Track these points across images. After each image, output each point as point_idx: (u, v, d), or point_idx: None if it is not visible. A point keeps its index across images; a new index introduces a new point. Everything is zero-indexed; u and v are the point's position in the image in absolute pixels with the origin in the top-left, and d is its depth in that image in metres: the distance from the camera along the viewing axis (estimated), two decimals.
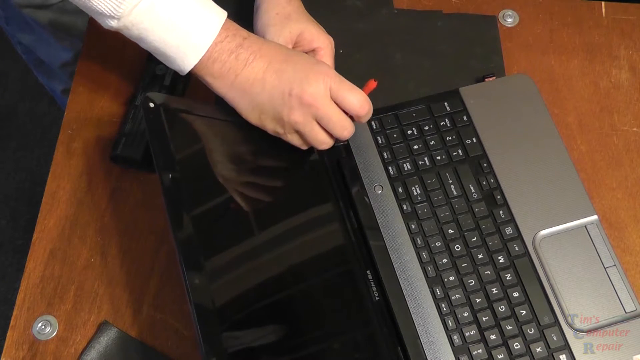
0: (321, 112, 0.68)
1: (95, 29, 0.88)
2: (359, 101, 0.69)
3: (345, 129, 0.69)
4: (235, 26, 0.68)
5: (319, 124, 0.69)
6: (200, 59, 0.66)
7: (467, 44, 0.87)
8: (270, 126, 0.69)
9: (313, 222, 0.73)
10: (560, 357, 0.67)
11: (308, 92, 0.67)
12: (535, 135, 0.78)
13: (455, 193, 0.75)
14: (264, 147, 0.72)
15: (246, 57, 0.67)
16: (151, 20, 0.64)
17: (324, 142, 0.70)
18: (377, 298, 0.70)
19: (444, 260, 0.71)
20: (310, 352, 0.66)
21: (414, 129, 0.78)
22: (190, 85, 0.83)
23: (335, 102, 0.68)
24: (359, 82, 0.83)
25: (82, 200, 0.78)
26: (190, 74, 0.68)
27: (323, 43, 0.75)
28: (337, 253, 0.72)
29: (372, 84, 0.72)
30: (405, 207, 0.74)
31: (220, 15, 0.67)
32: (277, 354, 0.64)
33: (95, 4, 0.63)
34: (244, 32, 0.68)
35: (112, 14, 0.63)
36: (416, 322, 0.69)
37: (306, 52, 0.75)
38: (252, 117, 0.70)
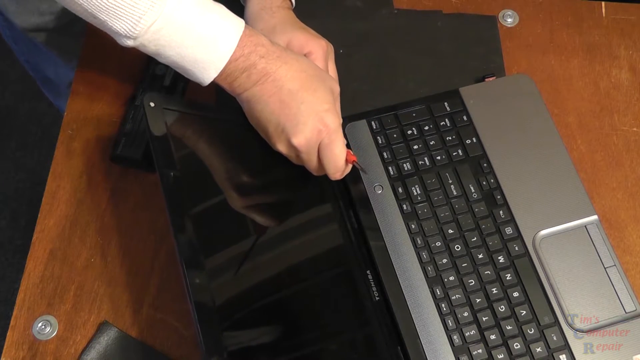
0: (303, 157, 0.69)
1: (95, 30, 0.87)
2: (332, 169, 0.69)
3: (320, 174, 0.71)
4: (253, 41, 0.66)
5: None
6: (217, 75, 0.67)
7: (467, 44, 0.87)
8: (264, 136, 0.71)
9: (313, 222, 0.73)
10: (560, 357, 0.67)
11: (298, 138, 0.68)
12: (535, 135, 0.78)
13: (455, 193, 0.75)
14: (264, 147, 0.72)
15: (257, 79, 0.67)
16: (167, 38, 0.64)
17: (313, 171, 0.71)
18: (377, 298, 0.70)
19: (444, 260, 0.71)
20: (310, 352, 0.66)
21: (414, 129, 0.78)
22: (190, 85, 0.83)
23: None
24: (360, 82, 0.83)
25: (82, 200, 0.78)
26: None
27: (313, 48, 0.74)
28: (337, 253, 0.73)
29: (352, 158, 0.72)
30: (405, 207, 0.74)
31: (237, 29, 0.65)
32: (277, 353, 0.64)
33: (111, 24, 0.63)
34: (261, 49, 0.67)
35: (129, 35, 0.63)
36: (416, 322, 0.69)
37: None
38: (251, 121, 0.71)
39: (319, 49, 0.74)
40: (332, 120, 0.68)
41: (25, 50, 1.12)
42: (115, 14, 0.62)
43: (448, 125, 0.78)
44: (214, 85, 0.84)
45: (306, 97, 0.67)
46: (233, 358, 0.60)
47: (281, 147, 0.70)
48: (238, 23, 0.66)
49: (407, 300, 0.69)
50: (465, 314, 0.69)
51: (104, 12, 0.62)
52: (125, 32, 0.63)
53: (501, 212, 0.74)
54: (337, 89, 0.71)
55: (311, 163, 0.70)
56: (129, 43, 0.64)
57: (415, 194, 0.74)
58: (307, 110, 0.67)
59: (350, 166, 0.71)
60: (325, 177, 0.71)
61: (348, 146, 0.77)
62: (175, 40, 0.64)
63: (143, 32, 0.63)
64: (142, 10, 0.61)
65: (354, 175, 0.75)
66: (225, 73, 0.66)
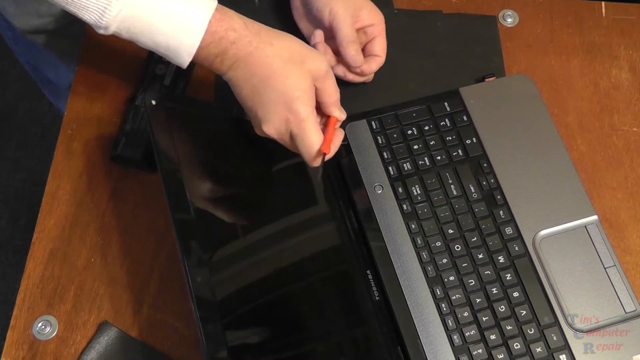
0: (281, 142, 0.69)
1: (95, 30, 0.87)
2: (306, 157, 0.69)
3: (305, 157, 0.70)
4: (224, 26, 0.66)
5: None
6: (192, 58, 0.67)
7: (467, 44, 0.87)
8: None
9: (313, 221, 0.73)
10: (560, 357, 0.67)
11: (267, 127, 0.68)
12: (535, 135, 0.78)
13: (455, 193, 0.75)
14: (264, 145, 0.72)
15: (230, 64, 0.67)
16: (136, 26, 0.64)
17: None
18: (377, 298, 0.70)
19: (444, 260, 0.71)
20: (309, 351, 0.66)
21: (414, 129, 0.78)
22: (191, 85, 0.83)
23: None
24: (359, 83, 0.83)
25: (82, 200, 0.78)
26: None
27: (376, 20, 0.79)
28: (337, 253, 0.73)
29: (334, 120, 0.71)
30: (405, 207, 0.74)
31: (206, 14, 0.65)
32: (277, 351, 0.64)
33: (81, 16, 0.64)
34: (232, 34, 0.66)
35: (98, 25, 0.64)
36: (416, 322, 0.69)
37: (364, 27, 0.79)
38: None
39: (381, 22, 0.79)
40: (302, 109, 0.67)
41: (26, 52, 1.12)
42: (82, 6, 0.63)
43: (448, 125, 0.78)
44: (214, 84, 0.84)
45: (276, 84, 0.67)
46: (234, 354, 0.60)
47: (258, 132, 0.70)
48: (207, 7, 0.65)
49: (407, 300, 0.69)
50: (465, 314, 0.69)
51: (72, 5, 0.63)
52: (95, 22, 0.64)
53: (501, 212, 0.74)
54: (322, 67, 0.69)
55: (291, 148, 0.70)
56: (103, 32, 0.65)
57: (415, 194, 0.74)
58: (275, 98, 0.67)
59: (331, 152, 0.70)
60: (325, 178, 0.71)
61: (346, 141, 0.77)
62: (145, 28, 0.64)
63: (111, 21, 0.63)
64: (107, 1, 0.62)
65: (354, 175, 0.75)
66: (199, 58, 0.67)
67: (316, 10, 0.79)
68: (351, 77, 0.80)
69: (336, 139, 0.70)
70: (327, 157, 0.69)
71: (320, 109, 0.70)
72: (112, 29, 0.64)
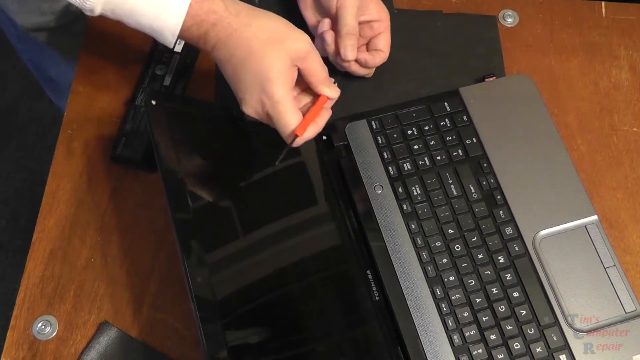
0: (260, 120, 0.70)
1: (94, 30, 0.88)
2: (285, 138, 0.69)
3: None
4: (204, 8, 0.67)
5: None
6: (177, 38, 0.68)
7: (467, 44, 0.87)
8: None
9: (313, 221, 0.73)
10: (560, 357, 0.67)
11: (246, 108, 0.69)
12: (535, 135, 0.78)
13: (455, 193, 0.75)
14: (265, 145, 0.72)
15: (212, 45, 0.68)
16: (120, 8, 0.66)
17: None
18: (377, 298, 0.70)
19: (444, 260, 0.71)
20: (309, 351, 0.66)
21: (414, 129, 0.78)
22: (190, 85, 0.83)
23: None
24: (360, 82, 0.83)
25: (82, 200, 0.78)
26: None
27: (382, 16, 0.80)
28: (337, 253, 0.73)
29: (323, 99, 0.71)
30: (405, 207, 0.74)
31: None
32: (277, 351, 0.64)
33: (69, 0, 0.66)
34: (212, 17, 0.67)
35: (84, 8, 0.66)
36: (416, 322, 0.69)
37: (370, 22, 0.78)
38: None
39: (386, 19, 0.80)
40: (276, 90, 0.67)
41: (28, 50, 1.12)
42: None
43: (448, 125, 0.78)
44: (214, 84, 0.84)
45: (253, 65, 0.67)
46: (234, 354, 0.60)
47: (242, 110, 0.71)
48: None
49: (407, 300, 0.69)
50: (465, 314, 0.69)
51: None
52: (80, 4, 0.65)
53: (501, 212, 0.74)
54: (302, 47, 0.69)
55: (274, 127, 0.70)
56: (89, 14, 0.67)
57: (415, 193, 0.74)
58: (252, 80, 0.68)
59: (310, 133, 0.70)
60: (325, 178, 0.71)
61: (346, 141, 0.77)
62: (128, 10, 0.66)
63: (95, 3, 0.65)
64: None
65: (354, 175, 0.75)
66: (184, 39, 0.69)
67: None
68: (354, 67, 0.81)
69: (320, 119, 0.71)
70: (309, 137, 0.70)
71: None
72: (98, 10, 0.66)
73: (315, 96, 0.72)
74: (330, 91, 0.71)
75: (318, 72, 0.70)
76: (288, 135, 0.69)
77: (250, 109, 0.69)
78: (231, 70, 0.69)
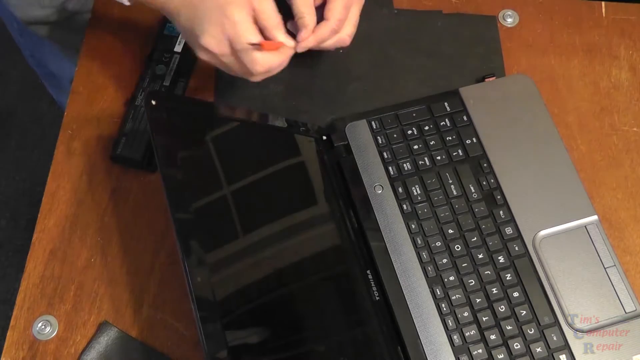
0: (218, 61, 0.69)
1: (95, 30, 0.88)
2: (248, 63, 0.69)
3: (248, 76, 0.70)
4: None
5: None
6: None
7: (467, 44, 0.87)
8: None
9: (313, 221, 0.73)
10: (560, 357, 0.67)
11: (205, 38, 0.68)
12: (535, 135, 0.78)
13: (455, 193, 0.75)
14: (264, 144, 0.72)
15: None
16: None
17: (245, 75, 0.71)
18: (377, 298, 0.70)
19: (444, 260, 0.71)
20: (309, 351, 0.66)
21: (414, 129, 0.78)
22: (190, 85, 0.83)
23: None
24: (360, 82, 0.83)
25: (82, 200, 0.78)
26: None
27: None
28: (337, 253, 0.73)
29: (278, 43, 0.70)
30: (405, 207, 0.74)
31: None
32: (277, 351, 0.64)
33: None
34: None
35: None
36: (416, 322, 0.69)
37: None
38: None
39: None
40: (235, 11, 0.67)
41: (30, 44, 1.12)
42: None
43: (448, 125, 0.78)
44: (214, 84, 0.84)
45: None
46: (234, 354, 0.60)
47: (201, 55, 0.70)
48: None
49: (407, 300, 0.69)
50: (465, 314, 0.69)
51: None
52: None
53: (501, 212, 0.74)
54: None
55: (232, 66, 0.70)
56: None
57: (415, 193, 0.74)
58: (211, 6, 0.68)
59: (276, 61, 0.69)
60: (325, 178, 0.71)
61: (346, 141, 0.77)
62: None
63: None
64: None
65: (354, 175, 0.75)
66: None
67: None
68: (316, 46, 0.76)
69: (283, 53, 0.70)
70: (271, 74, 0.69)
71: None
72: None
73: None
74: (286, 39, 0.71)
75: (270, 17, 0.70)
76: (251, 69, 0.68)
77: (210, 37, 0.68)
78: (188, 10, 0.68)
